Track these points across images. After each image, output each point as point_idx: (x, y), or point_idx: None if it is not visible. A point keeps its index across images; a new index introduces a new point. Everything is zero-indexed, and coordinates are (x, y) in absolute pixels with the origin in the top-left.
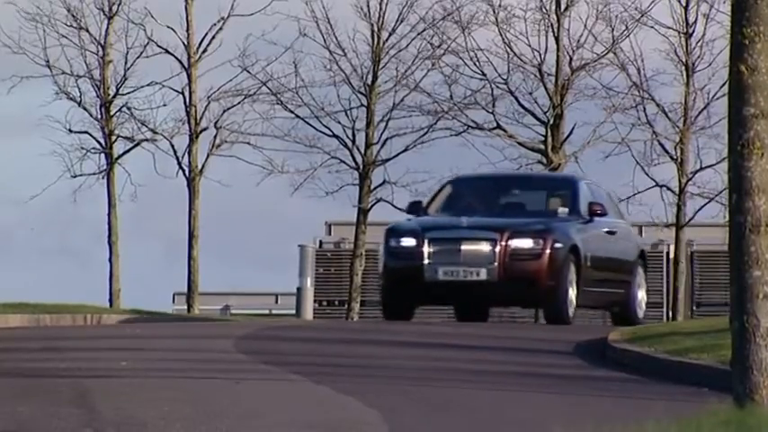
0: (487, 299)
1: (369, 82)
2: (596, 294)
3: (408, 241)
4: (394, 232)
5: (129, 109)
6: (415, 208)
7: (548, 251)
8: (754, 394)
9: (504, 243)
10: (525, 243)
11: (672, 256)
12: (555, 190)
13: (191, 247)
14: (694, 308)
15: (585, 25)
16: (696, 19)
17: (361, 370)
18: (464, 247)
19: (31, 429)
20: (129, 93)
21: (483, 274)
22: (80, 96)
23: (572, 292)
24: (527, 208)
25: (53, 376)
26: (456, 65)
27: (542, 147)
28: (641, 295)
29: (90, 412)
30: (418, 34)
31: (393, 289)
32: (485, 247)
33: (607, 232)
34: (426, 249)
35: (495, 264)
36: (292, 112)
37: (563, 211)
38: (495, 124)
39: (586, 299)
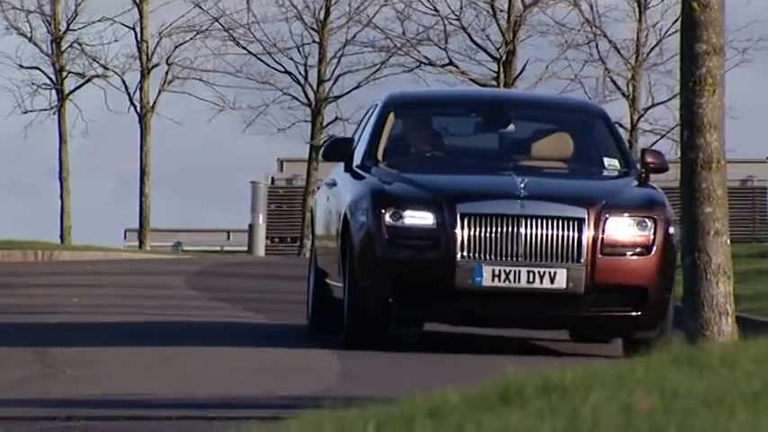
0: (563, 320)
1: (321, 18)
2: None
3: (422, 217)
4: (390, 199)
5: (80, 45)
6: (343, 152)
7: (660, 241)
8: (705, 330)
9: (594, 227)
10: (628, 227)
11: None
12: (581, 129)
13: (142, 183)
14: None
15: None
16: None
17: None
18: (527, 231)
19: None
20: (80, 28)
21: (561, 279)
22: (30, 32)
23: None
24: (549, 160)
25: (4, 312)
26: (409, 1)
27: (495, 83)
28: None
29: (41, 349)
30: None
31: (391, 298)
32: (563, 232)
33: None
34: (460, 233)
35: (582, 261)
36: (244, 48)
37: (612, 164)
38: (447, 60)
39: None
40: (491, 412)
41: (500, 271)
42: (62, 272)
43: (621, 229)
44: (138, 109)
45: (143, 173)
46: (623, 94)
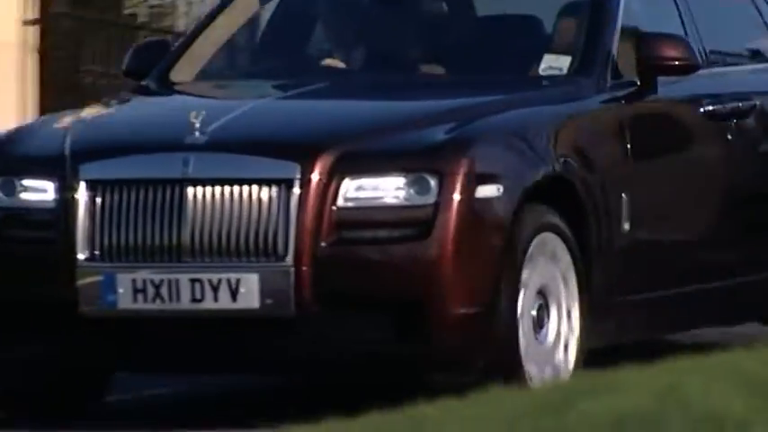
0: (264, 363)
1: None
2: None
3: (40, 188)
4: (5, 160)
5: None
6: (149, 66)
7: (451, 214)
8: None
9: (316, 193)
10: (393, 191)
11: None
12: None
13: None
14: None
15: None
16: None
17: None
18: (193, 209)
19: None
20: None
21: (251, 293)
22: None
23: (556, 320)
24: (456, 64)
25: None
26: None
27: None
28: None
29: None
30: None
31: None
32: (256, 207)
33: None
34: (83, 216)
35: (288, 259)
36: None
37: (555, 66)
38: None
39: (624, 325)
40: None
41: (146, 282)
42: None
43: (373, 194)
44: None
45: None
46: None
